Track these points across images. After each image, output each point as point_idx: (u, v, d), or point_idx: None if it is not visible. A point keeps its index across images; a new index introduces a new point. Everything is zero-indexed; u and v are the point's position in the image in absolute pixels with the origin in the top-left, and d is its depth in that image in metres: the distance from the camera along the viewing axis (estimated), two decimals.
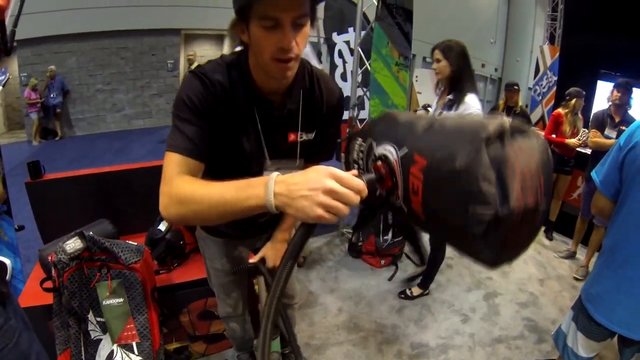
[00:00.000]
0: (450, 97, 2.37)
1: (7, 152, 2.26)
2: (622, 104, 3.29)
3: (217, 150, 1.06)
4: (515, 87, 4.27)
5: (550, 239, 4.21)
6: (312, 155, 1.27)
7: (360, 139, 0.89)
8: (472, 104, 2.25)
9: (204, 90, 1.00)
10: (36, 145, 8.28)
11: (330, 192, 0.68)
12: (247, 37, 0.93)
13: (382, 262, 3.41)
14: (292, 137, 1.19)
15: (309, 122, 1.20)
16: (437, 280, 3.26)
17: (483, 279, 3.37)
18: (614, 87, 3.34)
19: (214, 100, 1.01)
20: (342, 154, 1.02)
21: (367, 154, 0.85)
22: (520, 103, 4.32)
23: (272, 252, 1.43)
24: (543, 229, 4.35)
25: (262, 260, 1.43)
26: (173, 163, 0.95)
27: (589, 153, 3.89)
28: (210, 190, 0.83)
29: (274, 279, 0.74)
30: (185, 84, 1.02)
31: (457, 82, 2.36)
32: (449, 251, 3.70)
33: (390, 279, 3.25)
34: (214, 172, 1.04)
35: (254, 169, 1.18)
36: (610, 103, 3.40)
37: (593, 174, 1.51)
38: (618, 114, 3.31)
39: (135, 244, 1.74)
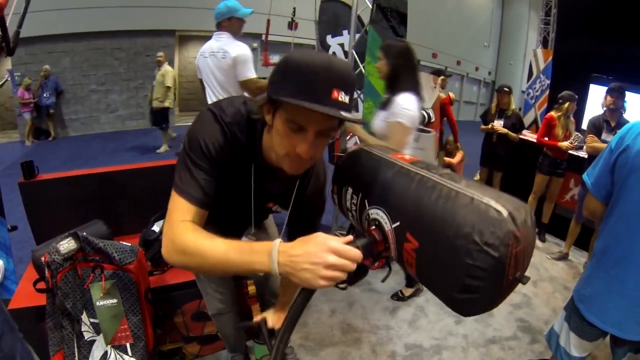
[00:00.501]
0: (386, 95, 2.34)
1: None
2: (616, 108, 3.33)
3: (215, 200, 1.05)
4: (506, 90, 4.29)
5: (543, 240, 4.24)
6: (292, 231, 1.29)
7: (351, 189, 0.94)
8: (401, 103, 2.15)
9: (223, 143, 0.98)
10: (29, 146, 8.22)
11: (331, 266, 0.74)
12: (271, 120, 0.92)
13: (376, 264, 3.41)
14: (270, 205, 1.28)
15: (291, 203, 1.20)
16: None
17: None
18: (607, 92, 3.38)
19: (229, 154, 1.00)
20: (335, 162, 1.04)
21: (360, 210, 0.91)
22: (513, 106, 4.34)
23: (274, 315, 1.43)
24: (536, 230, 4.37)
25: (264, 320, 1.44)
26: (181, 209, 0.94)
27: (582, 156, 3.94)
28: (214, 247, 0.85)
29: (276, 339, 0.83)
30: (205, 126, 0.99)
31: (393, 81, 2.30)
32: None
33: (383, 281, 3.22)
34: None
35: (236, 225, 1.29)
36: (604, 108, 3.43)
37: (585, 176, 1.53)
38: (613, 118, 3.35)
39: (129, 244, 1.74)
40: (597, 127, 3.41)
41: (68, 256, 1.59)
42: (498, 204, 0.65)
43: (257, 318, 1.47)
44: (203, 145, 0.96)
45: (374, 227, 0.83)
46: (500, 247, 0.62)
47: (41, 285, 1.64)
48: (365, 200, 0.88)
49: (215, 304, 1.71)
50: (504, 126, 4.29)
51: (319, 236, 0.77)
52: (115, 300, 1.69)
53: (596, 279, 1.49)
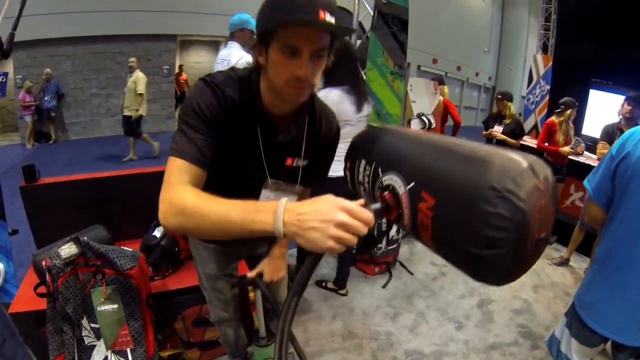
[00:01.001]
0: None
1: (0, 155, 2.25)
2: (632, 117, 3.31)
3: (218, 164, 1.05)
4: (499, 97, 4.32)
5: None
6: (305, 180, 1.28)
7: (364, 161, 0.92)
8: (322, 96, 2.09)
9: (215, 102, 1.00)
10: (30, 149, 8.23)
11: (341, 225, 0.70)
12: (265, 59, 0.96)
13: (376, 269, 3.41)
14: (289, 161, 1.21)
15: (306, 150, 1.21)
16: (431, 288, 3.27)
17: (477, 286, 3.38)
18: (625, 100, 3.36)
19: (223, 114, 1.01)
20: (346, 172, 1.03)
21: (373, 179, 0.87)
22: (513, 111, 4.34)
23: (269, 267, 1.45)
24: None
25: (260, 275, 1.44)
26: (177, 169, 0.93)
27: (582, 161, 3.95)
28: (215, 206, 0.82)
29: (283, 311, 0.77)
30: (197, 91, 1.01)
31: (329, 77, 2.32)
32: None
33: (384, 287, 3.25)
34: (211, 184, 1.02)
35: (252, 185, 1.19)
36: (620, 116, 3.42)
37: (585, 182, 1.53)
38: (628, 127, 3.34)
39: (131, 250, 1.74)
40: (610, 135, 3.39)
41: (69, 261, 1.59)
42: (517, 156, 0.63)
43: (252, 273, 1.46)
44: (196, 106, 0.98)
45: (387, 192, 0.79)
46: (522, 195, 0.58)
47: (42, 289, 1.64)
48: (379, 168, 0.85)
49: (218, 312, 1.70)
50: (503, 132, 4.30)
51: (329, 196, 0.74)
52: (116, 306, 1.69)
53: (597, 284, 1.49)
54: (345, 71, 2.30)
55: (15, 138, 9.08)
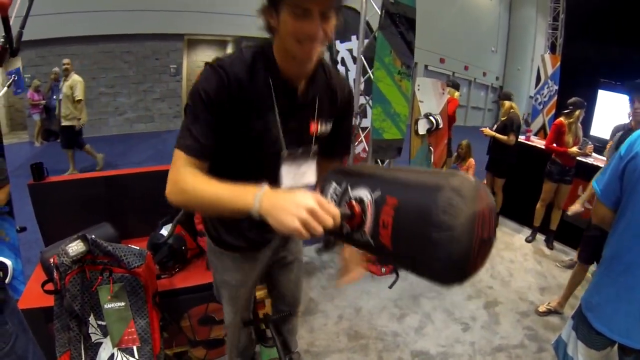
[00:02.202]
0: None
1: (9, 153, 2.27)
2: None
3: (232, 143, 1.10)
4: (493, 101, 4.36)
5: (551, 248, 4.21)
6: (330, 151, 1.30)
7: (334, 183, 1.00)
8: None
9: (219, 85, 1.03)
10: (38, 147, 8.31)
11: (311, 212, 0.78)
12: (276, 22, 0.99)
13: (383, 270, 3.41)
14: (312, 127, 1.21)
15: (328, 112, 1.23)
16: (437, 288, 3.25)
17: (483, 287, 3.36)
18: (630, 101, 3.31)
19: (227, 95, 1.04)
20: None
21: (342, 195, 0.96)
22: (507, 108, 4.35)
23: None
24: (544, 238, 4.35)
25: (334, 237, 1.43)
26: (180, 159, 1.02)
27: (590, 162, 3.91)
28: (208, 187, 0.96)
29: None
30: (202, 76, 1.05)
31: None
32: None
33: (390, 287, 3.24)
34: (229, 167, 1.10)
35: (270, 162, 1.18)
36: (631, 118, 3.38)
37: (594, 183, 1.52)
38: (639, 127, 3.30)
39: (138, 248, 1.74)
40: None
41: (77, 259, 1.60)
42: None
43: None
44: (201, 91, 1.02)
45: (354, 202, 0.88)
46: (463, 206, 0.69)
47: (49, 286, 1.65)
48: (349, 185, 0.93)
49: (232, 317, 1.66)
50: (497, 129, 4.36)
51: (306, 191, 0.84)
52: (123, 303, 1.70)
53: (604, 286, 1.48)
54: None
55: (24, 136, 9.18)
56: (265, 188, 0.87)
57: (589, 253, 2.83)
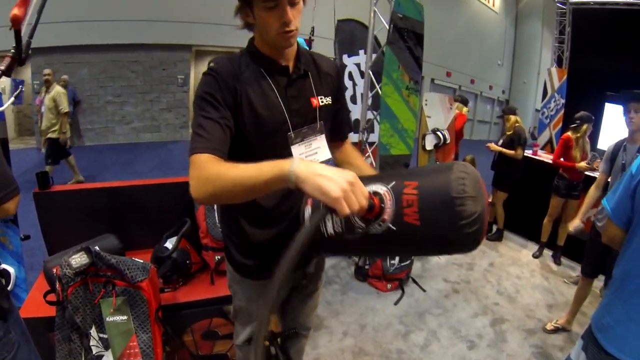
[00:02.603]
0: None
1: (16, 158, 2.28)
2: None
3: (241, 132, 1.14)
4: (498, 116, 4.37)
5: (559, 263, 4.15)
6: (338, 132, 1.38)
7: None
8: None
9: (215, 82, 1.10)
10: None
11: (351, 184, 0.79)
12: (253, 18, 1.11)
13: (389, 286, 3.37)
14: (314, 102, 1.26)
15: (323, 86, 1.29)
16: (443, 305, 3.21)
17: (490, 304, 3.31)
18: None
19: (226, 88, 1.10)
20: None
21: None
22: (512, 122, 4.37)
23: None
24: (551, 253, 4.29)
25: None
26: (197, 159, 1.00)
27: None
28: (234, 168, 0.95)
29: (279, 267, 0.75)
30: (200, 84, 1.12)
31: None
32: (456, 275, 3.66)
33: (396, 303, 3.20)
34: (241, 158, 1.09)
35: (280, 144, 1.20)
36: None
37: (604, 201, 1.49)
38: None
39: (142, 261, 1.72)
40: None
41: (79, 271, 1.59)
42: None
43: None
44: (203, 94, 1.08)
45: (370, 193, 0.89)
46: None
47: (51, 297, 1.63)
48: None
49: (244, 337, 1.62)
50: (503, 143, 4.36)
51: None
52: (125, 317, 1.68)
53: (615, 307, 1.45)
54: None
55: (31, 142, 9.25)
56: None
57: (593, 266, 2.80)
